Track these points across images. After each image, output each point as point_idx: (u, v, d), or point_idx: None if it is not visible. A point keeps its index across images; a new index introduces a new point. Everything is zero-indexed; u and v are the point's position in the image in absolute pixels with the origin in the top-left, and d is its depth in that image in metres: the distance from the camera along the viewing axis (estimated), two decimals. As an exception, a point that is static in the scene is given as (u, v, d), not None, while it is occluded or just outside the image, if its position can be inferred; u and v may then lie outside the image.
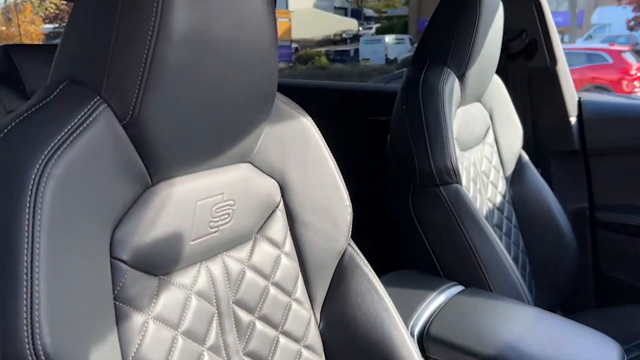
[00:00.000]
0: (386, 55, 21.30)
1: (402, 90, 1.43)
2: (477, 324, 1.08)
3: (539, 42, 1.79)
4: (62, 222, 0.57)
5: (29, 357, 0.53)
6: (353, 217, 0.98)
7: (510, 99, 1.72)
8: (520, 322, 1.10)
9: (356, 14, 32.78)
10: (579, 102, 1.87)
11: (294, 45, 23.53)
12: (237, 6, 0.67)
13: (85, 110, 0.62)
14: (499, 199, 1.62)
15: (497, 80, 1.68)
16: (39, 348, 0.53)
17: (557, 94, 1.82)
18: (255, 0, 0.70)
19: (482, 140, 1.61)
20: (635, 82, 9.67)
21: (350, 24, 29.61)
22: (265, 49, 0.73)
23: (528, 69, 1.85)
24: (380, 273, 1.04)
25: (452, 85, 1.40)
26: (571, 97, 1.84)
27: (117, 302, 0.65)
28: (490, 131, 1.65)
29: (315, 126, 0.94)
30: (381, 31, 26.55)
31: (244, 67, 0.71)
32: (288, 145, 0.89)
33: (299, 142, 0.90)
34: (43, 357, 0.53)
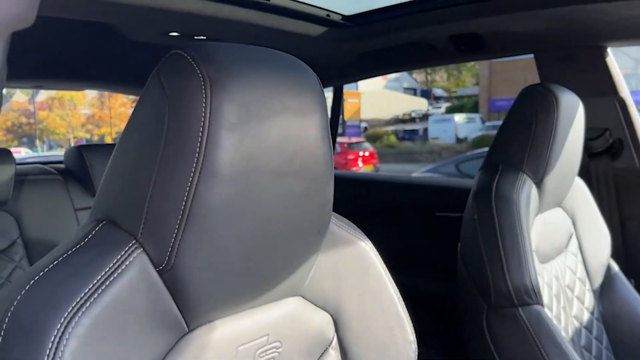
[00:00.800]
0: (456, 134, 21.22)
1: (473, 197, 1.33)
2: None
3: (624, 142, 1.65)
4: None
5: None
6: (419, 323, 0.86)
7: (594, 202, 1.57)
8: None
9: (425, 93, 33.27)
10: (674, 203, 1.68)
11: (363, 124, 23.99)
12: (291, 138, 0.61)
13: (118, 257, 0.57)
14: (586, 316, 1.44)
15: (578, 182, 1.54)
16: None
17: (648, 195, 1.65)
18: (311, 129, 0.64)
19: (565, 249, 1.46)
20: None
21: (419, 104, 30.00)
22: (321, 178, 0.67)
23: (613, 170, 1.70)
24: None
25: (528, 193, 1.28)
26: (664, 197, 1.67)
27: None
28: (574, 238, 1.49)
29: (375, 250, 0.86)
30: (451, 110, 26.66)
31: (295, 199, 0.64)
32: (344, 274, 0.80)
33: (356, 271, 0.82)
34: None
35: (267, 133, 0.59)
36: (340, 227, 0.83)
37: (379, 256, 0.86)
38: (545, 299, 1.29)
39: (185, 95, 0.56)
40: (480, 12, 1.48)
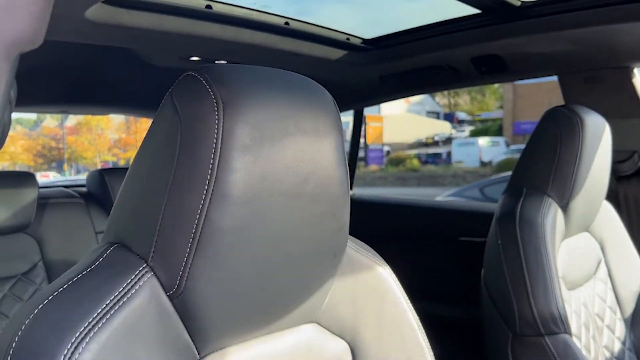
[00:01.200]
0: (480, 158, 21.02)
1: (496, 221, 1.29)
2: None
3: None
4: None
5: None
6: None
7: (623, 226, 1.51)
8: None
9: (449, 117, 33.17)
10: None
11: (385, 148, 23.95)
12: (305, 160, 0.60)
13: (129, 280, 0.56)
14: (617, 346, 1.38)
15: (606, 206, 1.49)
16: None
17: (681, 221, 1.59)
18: (325, 150, 0.63)
19: (593, 276, 1.41)
20: None
21: (442, 127, 29.89)
22: (336, 201, 0.65)
23: None
24: None
25: (554, 217, 1.24)
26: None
27: None
28: (602, 265, 1.44)
29: (394, 276, 0.83)
30: (475, 134, 26.48)
31: (309, 222, 0.63)
32: (361, 300, 0.78)
33: (374, 297, 0.79)
34: None
35: (281, 155, 0.58)
36: (358, 251, 0.81)
37: (397, 282, 0.83)
38: (574, 327, 1.24)
39: (197, 117, 0.55)
40: (502, 34, 1.46)
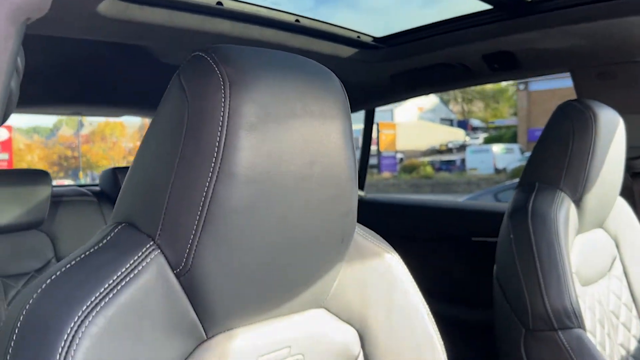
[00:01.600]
0: (494, 165, 20.88)
1: (508, 216, 1.28)
2: None
3: None
4: None
5: None
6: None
7: (639, 223, 1.49)
8: None
9: (462, 124, 33.01)
10: None
11: (398, 155, 23.89)
12: (312, 142, 0.60)
13: (135, 258, 0.56)
14: (633, 344, 1.35)
15: (621, 203, 1.47)
16: None
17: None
18: (333, 133, 0.63)
19: (608, 273, 1.38)
20: None
21: (456, 134, 29.75)
22: (343, 185, 0.65)
23: None
24: None
25: (567, 211, 1.23)
26: None
27: None
28: (618, 261, 1.42)
29: (402, 264, 0.82)
30: (489, 141, 26.32)
31: (317, 205, 0.63)
32: (370, 287, 0.77)
33: (383, 284, 0.79)
34: None
35: (287, 135, 0.58)
36: (366, 238, 0.80)
37: (407, 270, 0.83)
38: (588, 324, 1.22)
39: (204, 95, 0.56)
40: (513, 29, 1.46)
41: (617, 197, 1.43)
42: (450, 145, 27.17)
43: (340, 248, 0.69)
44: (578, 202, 1.26)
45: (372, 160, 20.40)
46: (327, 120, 0.62)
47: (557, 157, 1.27)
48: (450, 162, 23.85)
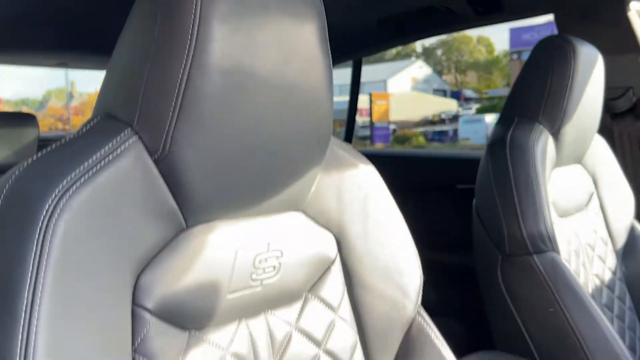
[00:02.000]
0: (487, 135, 20.91)
1: (487, 148, 1.31)
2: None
3: None
4: (74, 259, 0.52)
5: None
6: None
7: (617, 162, 1.53)
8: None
9: (455, 95, 32.91)
10: (703, 168, 1.62)
11: (391, 126, 23.84)
12: (286, 40, 0.62)
13: (114, 142, 0.58)
14: (608, 275, 1.40)
15: (600, 141, 1.51)
16: None
17: (675, 157, 1.60)
18: (308, 36, 0.64)
19: (585, 208, 1.42)
20: None
21: (449, 105, 29.69)
22: (319, 89, 0.67)
23: (637, 130, 1.65)
24: (465, 353, 0.89)
25: (544, 143, 1.26)
26: (693, 161, 1.61)
27: (136, 355, 0.58)
28: (595, 198, 1.46)
29: (379, 177, 0.85)
30: (482, 111, 26.29)
31: (293, 106, 0.65)
32: (347, 195, 0.80)
33: (359, 193, 0.82)
34: None
35: (261, 30, 0.60)
36: (343, 149, 0.83)
37: (383, 182, 0.85)
38: (564, 253, 1.26)
39: None
40: None
41: (596, 136, 1.46)
42: (443, 116, 27.11)
43: (316, 150, 0.72)
44: (556, 134, 1.29)
45: (365, 132, 20.35)
46: (302, 22, 0.64)
47: (536, 91, 1.30)
48: (442, 133, 23.86)
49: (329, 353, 0.76)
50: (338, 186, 0.79)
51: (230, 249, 0.67)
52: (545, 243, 1.16)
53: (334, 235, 0.79)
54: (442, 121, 26.68)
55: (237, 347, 0.67)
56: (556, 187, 1.30)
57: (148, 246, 0.59)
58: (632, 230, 1.49)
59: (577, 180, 1.40)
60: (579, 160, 1.43)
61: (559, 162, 1.33)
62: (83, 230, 0.53)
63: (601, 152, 1.50)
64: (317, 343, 0.75)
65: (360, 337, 0.79)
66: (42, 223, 0.51)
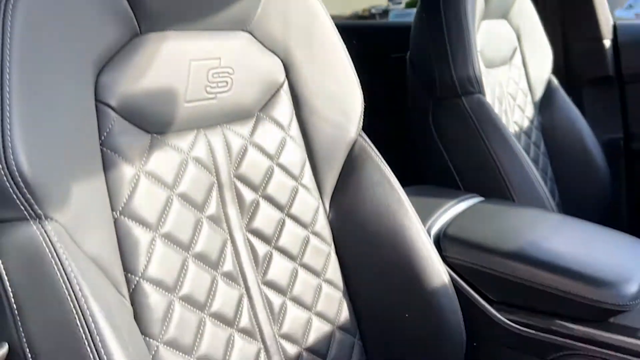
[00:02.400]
0: (416, 30, 20.90)
1: (420, 4, 1.36)
2: (498, 226, 1.02)
3: None
4: (37, 38, 0.54)
5: (2, 172, 0.50)
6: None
7: (539, 20, 1.62)
8: (546, 225, 1.03)
9: (385, -11, 32.22)
10: (614, 26, 1.75)
11: (321, 21, 23.26)
12: None
13: None
14: (526, 123, 1.54)
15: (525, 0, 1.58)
16: (11, 164, 0.50)
17: (591, 16, 1.71)
18: None
19: (509, 62, 1.53)
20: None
21: (378, 0, 29.16)
22: None
23: None
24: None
25: None
26: (605, 19, 1.73)
27: (103, 148, 0.62)
28: (518, 52, 1.56)
29: (323, 5, 0.88)
30: (410, 5, 26.01)
31: None
32: (292, 19, 0.83)
33: (304, 18, 0.85)
34: (18, 176, 0.50)
35: None
36: None
37: (327, 12, 0.89)
38: (488, 98, 1.36)
39: None
40: None
41: None
42: (373, 11, 26.58)
43: None
44: None
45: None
46: None
47: None
48: (373, 28, 23.59)
49: (281, 166, 0.82)
50: (284, 11, 0.82)
51: (184, 59, 0.70)
52: (473, 85, 1.25)
53: (282, 61, 0.83)
54: (372, 16, 26.22)
55: (197, 152, 0.72)
56: (484, 38, 1.38)
57: (105, 45, 0.62)
58: (549, 83, 1.62)
59: (502, 35, 1.49)
60: (505, 15, 1.51)
61: (487, 14, 1.40)
62: (42, 13, 0.55)
63: (525, 10, 1.58)
64: (270, 157, 0.81)
65: (308, 155, 0.86)
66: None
